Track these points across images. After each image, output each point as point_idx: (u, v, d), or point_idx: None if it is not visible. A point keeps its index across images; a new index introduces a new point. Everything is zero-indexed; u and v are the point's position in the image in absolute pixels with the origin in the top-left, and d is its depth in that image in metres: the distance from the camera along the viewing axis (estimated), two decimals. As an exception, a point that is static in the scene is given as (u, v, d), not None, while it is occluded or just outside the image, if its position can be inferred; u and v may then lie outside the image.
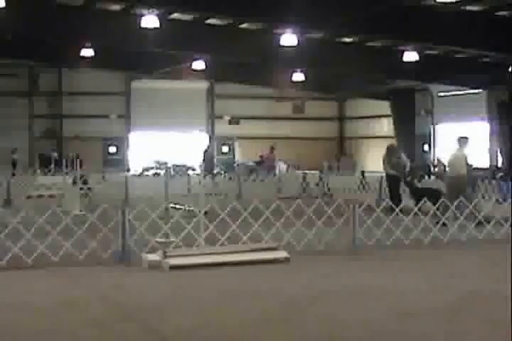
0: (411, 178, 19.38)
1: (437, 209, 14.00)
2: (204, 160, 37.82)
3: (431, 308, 8.19)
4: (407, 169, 19.37)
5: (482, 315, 7.89)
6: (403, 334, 7.11)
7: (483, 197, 19.56)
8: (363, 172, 28.86)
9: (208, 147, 40.08)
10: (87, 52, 32.51)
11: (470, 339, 6.96)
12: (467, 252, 12.53)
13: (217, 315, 7.93)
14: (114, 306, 8.54)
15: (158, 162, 43.08)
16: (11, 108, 44.57)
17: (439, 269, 10.91)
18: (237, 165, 43.42)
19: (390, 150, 20.12)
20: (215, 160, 44.79)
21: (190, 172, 34.01)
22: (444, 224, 13.87)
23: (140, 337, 7.11)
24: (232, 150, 49.28)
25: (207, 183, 27.96)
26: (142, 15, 24.19)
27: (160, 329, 7.40)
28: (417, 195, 16.58)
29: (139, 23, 23.94)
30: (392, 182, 19.37)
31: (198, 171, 40.55)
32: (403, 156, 19.97)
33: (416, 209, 13.92)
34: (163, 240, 11.66)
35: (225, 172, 41.48)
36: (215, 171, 33.69)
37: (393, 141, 22.97)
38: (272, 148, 37.71)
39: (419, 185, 19.95)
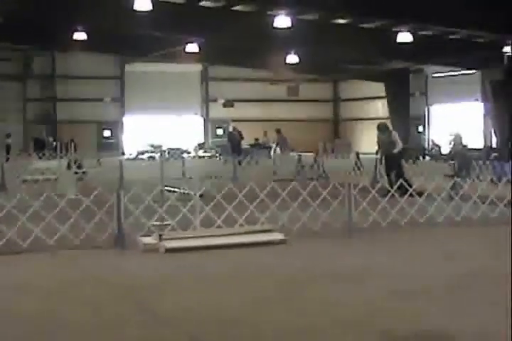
0: (397, 159, 19.10)
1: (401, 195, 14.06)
2: (231, 143, 37.64)
3: (426, 288, 8.20)
4: (397, 149, 19.00)
5: (477, 294, 7.90)
6: (397, 314, 7.12)
7: (478, 177, 19.57)
8: (357, 154, 28.84)
9: (234, 129, 39.41)
10: (80, 35, 32.36)
11: (465, 317, 6.98)
12: (462, 232, 12.54)
13: (213, 297, 7.94)
14: (110, 288, 8.54)
15: (152, 145, 43.00)
16: (5, 92, 44.41)
17: (434, 249, 10.93)
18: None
19: (379, 128, 20.00)
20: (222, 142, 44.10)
21: (184, 155, 33.97)
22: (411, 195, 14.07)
23: (136, 318, 7.13)
24: (226, 132, 49.22)
25: (202, 166, 27.97)
26: (135, -3, 24.04)
27: (156, 310, 7.41)
28: (398, 178, 16.54)
29: (132, 5, 23.79)
30: (384, 161, 19.38)
31: (193, 154, 40.64)
32: (394, 136, 19.55)
33: (392, 190, 14.05)
34: (158, 223, 11.64)
35: (219, 154, 41.48)
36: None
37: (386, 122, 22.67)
38: (279, 130, 37.66)
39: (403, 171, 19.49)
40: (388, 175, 18.63)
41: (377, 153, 20.78)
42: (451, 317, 6.95)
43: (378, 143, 19.90)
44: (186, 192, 14.61)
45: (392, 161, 18.91)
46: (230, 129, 40.67)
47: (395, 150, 18.89)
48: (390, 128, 20.54)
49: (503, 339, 6.24)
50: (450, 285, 8.35)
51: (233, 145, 37.16)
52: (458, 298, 7.78)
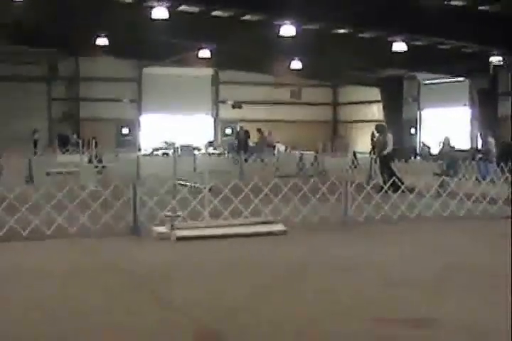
0: (388, 160, 18.93)
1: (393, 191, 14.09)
2: (238, 141, 37.75)
3: (415, 278, 8.20)
4: (386, 151, 18.88)
5: (462, 284, 7.90)
6: (389, 302, 7.11)
7: (464, 176, 19.54)
8: (354, 153, 28.79)
9: (241, 128, 39.52)
10: (102, 41, 32.37)
11: (451, 305, 6.98)
12: (448, 226, 12.53)
13: (219, 284, 7.93)
14: (126, 274, 8.55)
15: (166, 142, 42.99)
16: (33, 92, 44.47)
17: (423, 242, 10.92)
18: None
19: (377, 128, 19.96)
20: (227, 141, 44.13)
21: (195, 152, 33.93)
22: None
23: (149, 304, 7.09)
24: (234, 132, 49.17)
25: (212, 162, 27.96)
26: (152, 7, 24.04)
27: (167, 296, 7.40)
28: (390, 176, 16.53)
29: (150, 14, 23.81)
30: (378, 160, 19.34)
31: (203, 151, 40.63)
32: (389, 138, 19.41)
33: (386, 187, 14.10)
34: (171, 214, 11.65)
35: (228, 152, 41.43)
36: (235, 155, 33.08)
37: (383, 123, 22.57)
38: (259, 129, 37.97)
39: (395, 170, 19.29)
40: (382, 173, 18.66)
41: (371, 153, 20.75)
42: (438, 305, 6.95)
43: (372, 143, 19.90)
44: (196, 185, 14.62)
45: (384, 161, 18.90)
46: (238, 129, 40.76)
47: (385, 152, 18.85)
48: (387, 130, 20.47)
49: (486, 324, 6.25)
50: (437, 276, 8.34)
51: (240, 143, 37.20)
52: (444, 287, 7.77)
